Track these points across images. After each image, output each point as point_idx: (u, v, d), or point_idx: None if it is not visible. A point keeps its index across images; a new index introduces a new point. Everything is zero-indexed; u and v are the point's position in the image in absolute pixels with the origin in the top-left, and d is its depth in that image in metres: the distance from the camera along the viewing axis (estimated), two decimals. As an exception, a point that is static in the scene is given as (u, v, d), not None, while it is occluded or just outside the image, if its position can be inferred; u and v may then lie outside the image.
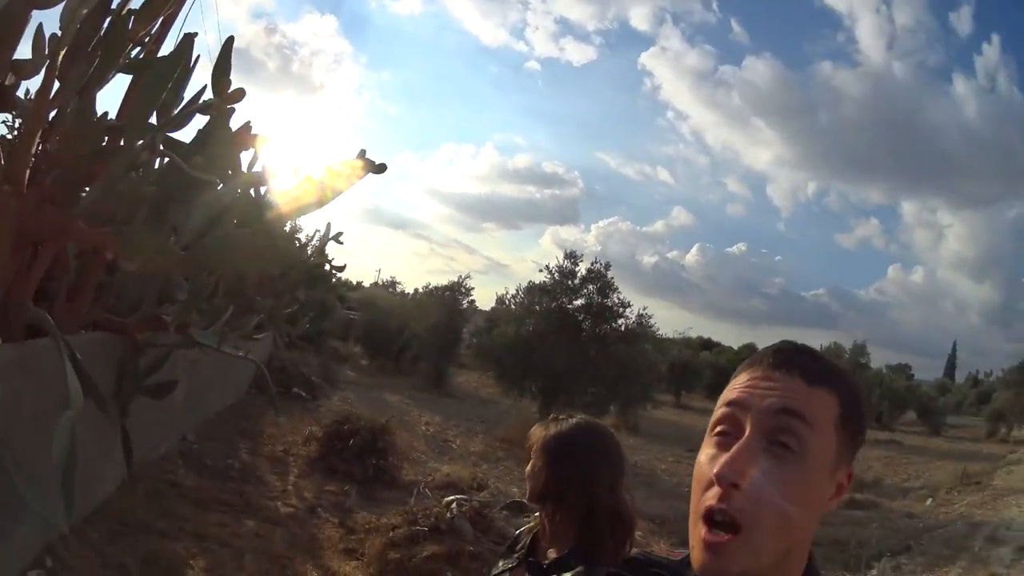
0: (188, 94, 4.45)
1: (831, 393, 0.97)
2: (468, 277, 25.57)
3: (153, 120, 3.70)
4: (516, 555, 2.10)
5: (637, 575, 1.21)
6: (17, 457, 3.22)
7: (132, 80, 4.29)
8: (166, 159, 3.82)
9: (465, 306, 25.15)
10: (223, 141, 3.99)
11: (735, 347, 58.03)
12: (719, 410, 1.00)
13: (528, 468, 2.04)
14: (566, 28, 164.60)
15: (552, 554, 1.96)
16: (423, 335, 23.02)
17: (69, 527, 2.94)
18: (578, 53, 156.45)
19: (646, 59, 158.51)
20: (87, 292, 4.12)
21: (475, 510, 6.71)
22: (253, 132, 4.79)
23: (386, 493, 8.49)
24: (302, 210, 4.98)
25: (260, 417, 10.39)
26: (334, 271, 14.73)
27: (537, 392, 18.27)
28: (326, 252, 11.49)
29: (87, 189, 3.32)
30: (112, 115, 4.24)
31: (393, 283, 38.27)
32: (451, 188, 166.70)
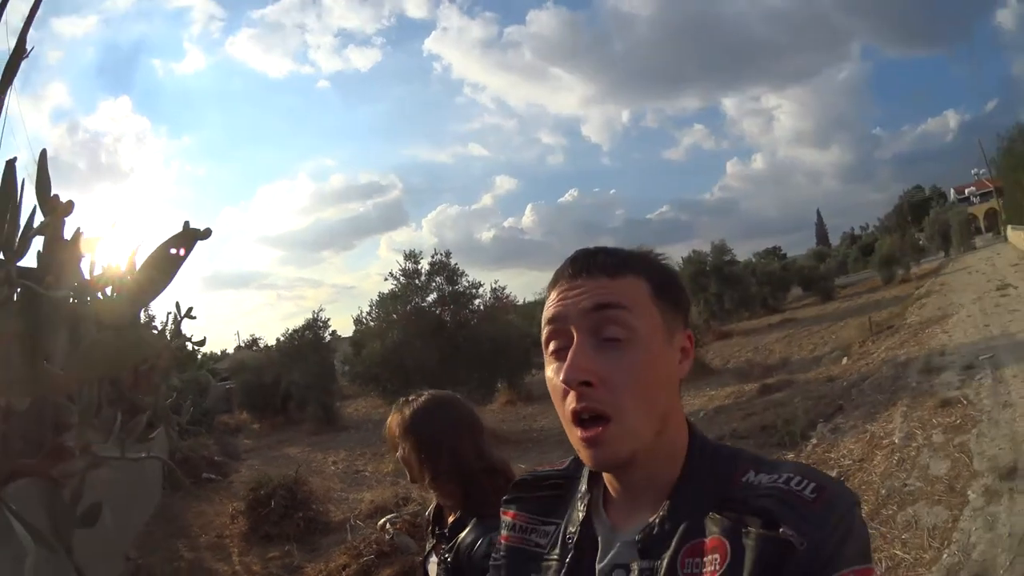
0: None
1: (636, 276, 1.05)
2: (322, 310, 25.30)
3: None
4: (429, 531, 2.31)
5: (531, 491, 1.25)
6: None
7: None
8: (20, 289, 3.77)
9: (328, 339, 24.90)
10: (66, 256, 3.96)
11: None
12: (544, 330, 1.07)
13: (398, 455, 2.19)
14: (347, 38, 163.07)
15: (451, 520, 2.16)
16: (299, 380, 22.58)
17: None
18: (363, 59, 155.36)
19: (431, 44, 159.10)
20: (-6, 446, 4.00)
21: (408, 523, 6.87)
22: (85, 236, 4.74)
23: (324, 539, 8.59)
24: (151, 295, 4.96)
25: (184, 513, 10.19)
26: (196, 348, 14.34)
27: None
28: (182, 332, 11.20)
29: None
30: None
31: (255, 340, 37.46)
32: (278, 230, 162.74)
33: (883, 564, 4.81)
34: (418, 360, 17.48)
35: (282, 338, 24.92)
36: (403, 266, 18.86)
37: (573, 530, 1.12)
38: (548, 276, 1.12)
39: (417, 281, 18.84)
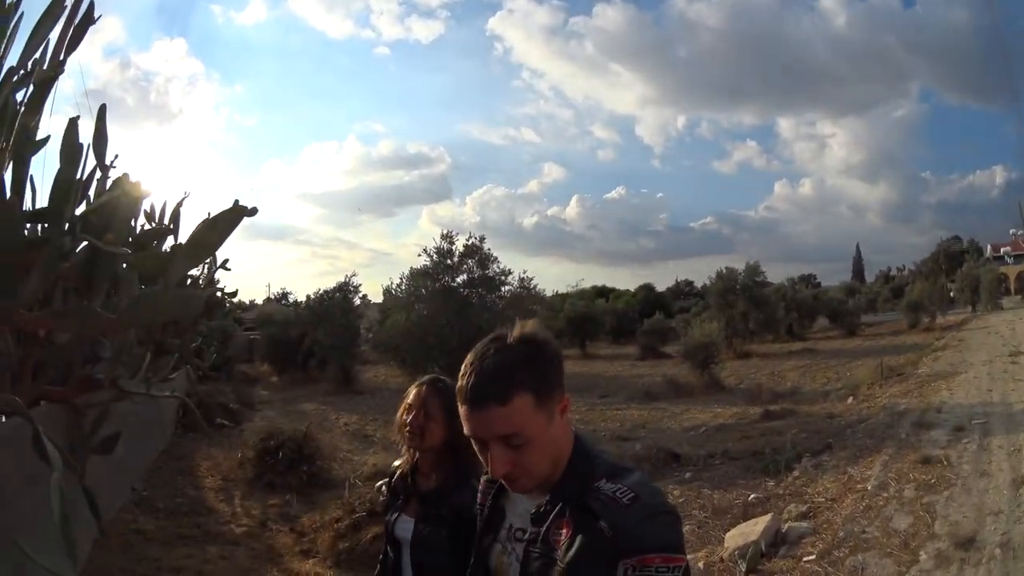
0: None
1: (523, 393, 1.43)
2: (354, 275, 25.43)
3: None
4: (400, 496, 2.68)
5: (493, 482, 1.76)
6: (15, 527, 3.56)
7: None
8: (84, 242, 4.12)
9: (357, 303, 25.20)
10: (125, 217, 4.30)
11: (631, 289, 59.35)
12: (469, 435, 1.49)
13: (412, 420, 2.54)
14: (411, 7, 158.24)
15: (432, 483, 2.56)
16: (324, 340, 22.95)
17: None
18: (425, 30, 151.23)
19: (494, 24, 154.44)
20: (28, 373, 4.40)
21: None
22: (140, 190, 5.13)
23: (323, 494, 8.93)
24: (199, 259, 5.34)
25: (193, 454, 10.68)
26: (227, 298, 14.74)
27: (441, 371, 18.11)
28: (216, 280, 11.59)
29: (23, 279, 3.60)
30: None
31: (284, 295, 37.86)
32: (321, 188, 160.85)
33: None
34: (440, 337, 17.70)
35: (312, 296, 25.28)
36: (438, 244, 19.19)
37: (489, 504, 1.75)
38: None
39: (449, 261, 19.11)
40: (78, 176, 4.43)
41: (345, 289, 24.60)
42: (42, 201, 4.40)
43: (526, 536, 1.55)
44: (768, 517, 6.60)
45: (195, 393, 13.18)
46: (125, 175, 5.09)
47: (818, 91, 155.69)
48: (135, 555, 5.96)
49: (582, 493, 1.45)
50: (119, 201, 4.41)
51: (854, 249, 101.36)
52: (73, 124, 4.25)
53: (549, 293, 27.31)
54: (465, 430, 1.49)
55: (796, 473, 8.74)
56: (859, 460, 8.78)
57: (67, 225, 3.75)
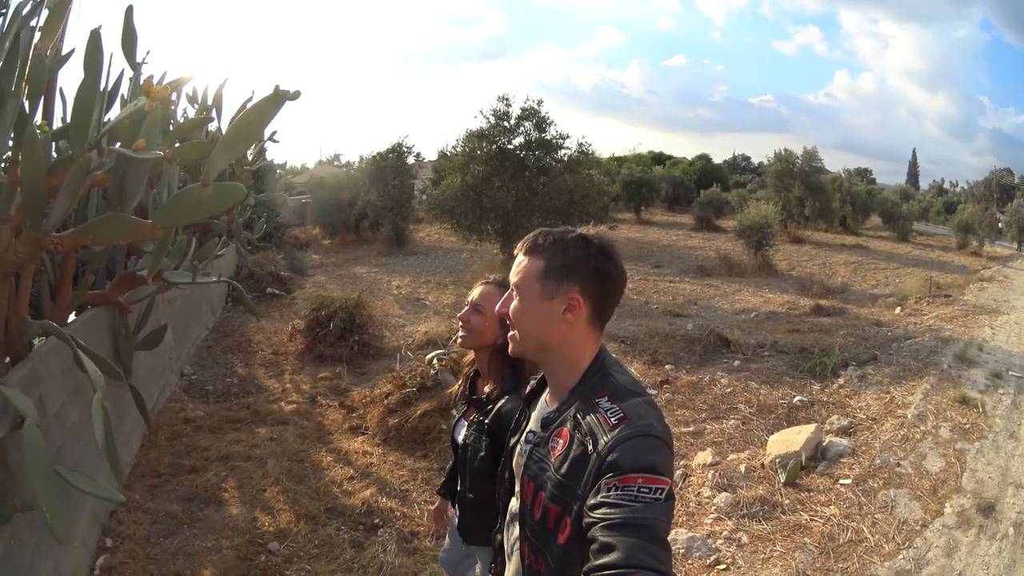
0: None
1: (537, 257, 1.65)
2: (407, 136, 25.33)
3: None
4: (462, 399, 2.78)
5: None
6: (60, 457, 3.68)
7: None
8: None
9: (411, 162, 25.11)
10: (154, 121, 4.22)
11: (688, 157, 57.93)
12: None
13: (463, 313, 2.60)
14: None
15: (488, 388, 2.61)
16: (376, 201, 23.09)
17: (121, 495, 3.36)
18: None
19: None
20: (67, 283, 4.45)
21: (455, 361, 7.18)
22: (163, 90, 5.04)
23: (373, 364, 9.13)
24: (238, 151, 5.28)
25: (243, 328, 10.81)
26: (276, 169, 14.71)
27: (495, 234, 18.53)
28: (264, 151, 11.58)
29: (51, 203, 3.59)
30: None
31: (336, 156, 37.89)
32: (373, 48, 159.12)
33: (848, 534, 4.99)
34: (495, 199, 17.67)
35: (365, 156, 25.13)
36: (495, 107, 18.85)
37: (521, 408, 1.93)
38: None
39: (506, 123, 18.78)
40: (102, 88, 4.35)
41: (399, 150, 24.45)
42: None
43: (535, 439, 1.69)
44: (812, 428, 6.66)
45: (245, 265, 13.37)
46: (149, 79, 5.00)
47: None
48: (183, 446, 6.13)
49: (583, 407, 1.55)
50: (146, 107, 4.32)
51: (910, 153, 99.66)
52: (95, 36, 4.14)
53: (605, 156, 26.87)
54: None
55: (841, 381, 8.91)
56: (902, 381, 8.83)
57: (91, 140, 3.68)
